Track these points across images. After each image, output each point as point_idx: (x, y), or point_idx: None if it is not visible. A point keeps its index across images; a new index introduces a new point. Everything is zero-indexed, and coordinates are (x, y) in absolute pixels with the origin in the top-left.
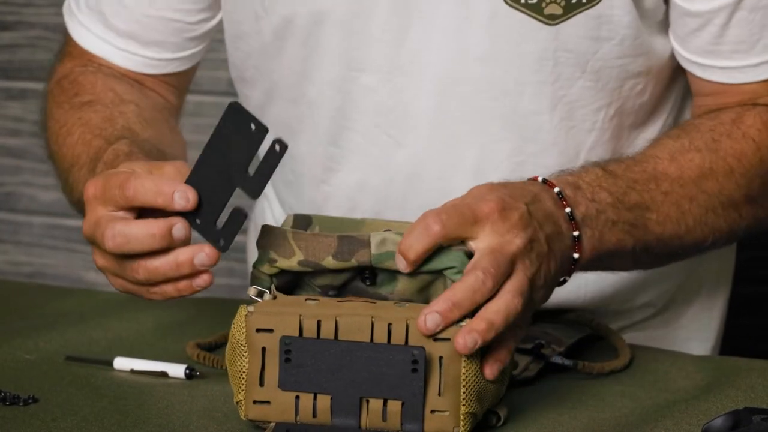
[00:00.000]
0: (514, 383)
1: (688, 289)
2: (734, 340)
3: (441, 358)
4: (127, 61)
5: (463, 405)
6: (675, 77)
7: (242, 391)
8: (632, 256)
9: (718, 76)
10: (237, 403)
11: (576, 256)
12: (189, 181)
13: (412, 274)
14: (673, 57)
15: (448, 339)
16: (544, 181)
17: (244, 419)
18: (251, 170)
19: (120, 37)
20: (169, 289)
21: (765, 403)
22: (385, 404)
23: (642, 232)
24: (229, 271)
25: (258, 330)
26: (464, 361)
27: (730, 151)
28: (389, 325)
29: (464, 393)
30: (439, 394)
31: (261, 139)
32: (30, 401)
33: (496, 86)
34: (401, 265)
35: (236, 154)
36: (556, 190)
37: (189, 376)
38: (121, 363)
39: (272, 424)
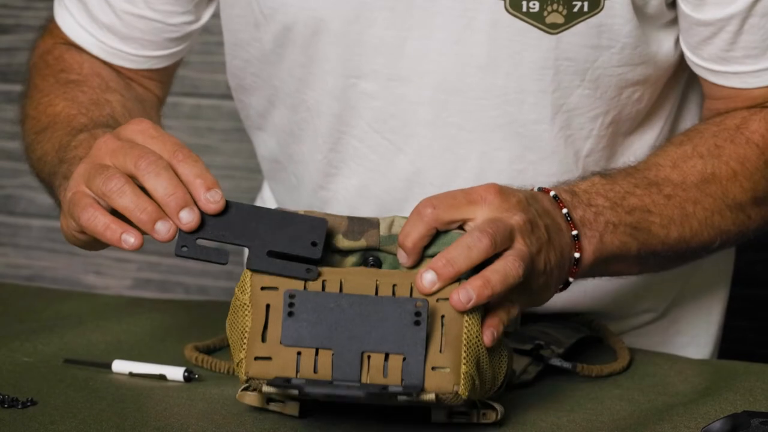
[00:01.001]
0: (513, 386)
1: (687, 295)
2: (733, 343)
3: (443, 317)
4: (107, 54)
5: (464, 364)
6: (672, 85)
7: (243, 349)
8: (638, 260)
9: (731, 81)
10: (237, 364)
11: (577, 255)
12: (230, 203)
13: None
14: (671, 65)
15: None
16: (540, 189)
17: (245, 377)
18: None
19: (101, 30)
20: (108, 221)
21: (763, 407)
22: (386, 359)
23: (646, 236)
24: (227, 274)
25: (263, 288)
26: (465, 320)
27: (733, 155)
28: (393, 286)
29: (465, 352)
30: (441, 351)
31: (304, 255)
32: (29, 404)
33: (497, 95)
34: (402, 259)
35: (278, 237)
36: (552, 193)
37: (187, 379)
38: (120, 366)
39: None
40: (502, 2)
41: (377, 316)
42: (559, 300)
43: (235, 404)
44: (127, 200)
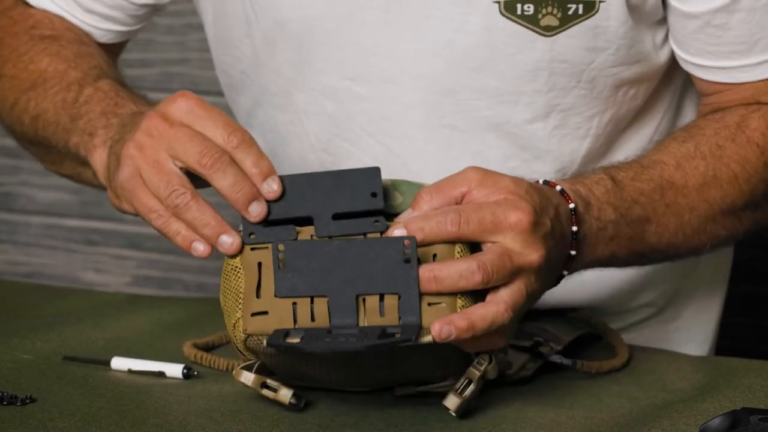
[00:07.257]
0: (511, 382)
1: (685, 291)
2: (731, 340)
3: (435, 255)
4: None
5: (460, 298)
6: (669, 80)
7: (239, 309)
8: (624, 264)
9: (719, 77)
10: (234, 324)
11: (565, 273)
12: (284, 180)
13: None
14: (667, 62)
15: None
16: (562, 192)
17: (243, 335)
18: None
19: (66, 0)
20: (180, 227)
21: (762, 404)
22: (381, 299)
23: (637, 245)
24: None
25: (253, 248)
26: (457, 256)
27: (734, 156)
28: (380, 234)
29: None
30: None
31: (367, 208)
32: (27, 401)
33: (490, 95)
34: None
35: (337, 198)
36: (572, 206)
37: (186, 375)
38: (119, 363)
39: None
40: (497, 5)
41: (367, 258)
42: (556, 294)
43: (235, 401)
44: (191, 215)
